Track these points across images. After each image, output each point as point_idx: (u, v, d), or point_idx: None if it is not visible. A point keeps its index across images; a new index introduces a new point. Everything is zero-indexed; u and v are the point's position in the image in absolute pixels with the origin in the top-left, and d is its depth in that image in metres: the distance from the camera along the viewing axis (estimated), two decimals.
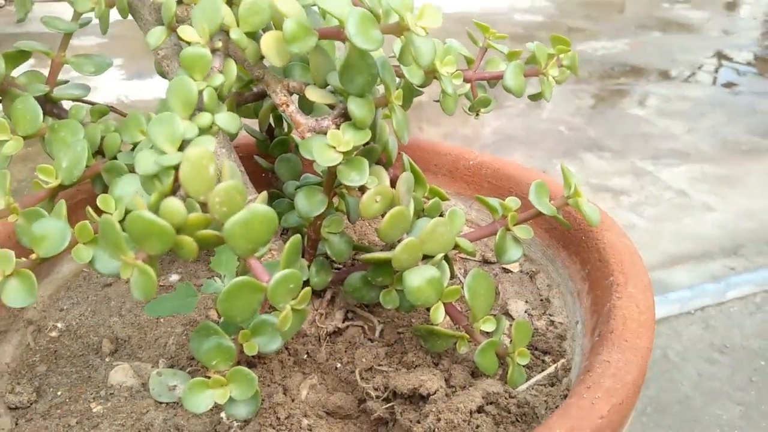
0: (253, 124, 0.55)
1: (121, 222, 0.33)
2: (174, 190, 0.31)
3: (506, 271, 0.48)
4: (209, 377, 0.33)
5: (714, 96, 1.96)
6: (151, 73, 1.98)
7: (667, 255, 1.17)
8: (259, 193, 0.57)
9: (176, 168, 0.30)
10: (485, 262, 0.50)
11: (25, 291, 0.32)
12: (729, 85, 2.07)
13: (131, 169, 0.45)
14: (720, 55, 2.35)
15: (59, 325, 0.46)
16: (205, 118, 0.32)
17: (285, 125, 0.54)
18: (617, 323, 0.33)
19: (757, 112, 1.83)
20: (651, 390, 0.80)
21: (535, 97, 0.48)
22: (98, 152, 0.47)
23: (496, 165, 0.52)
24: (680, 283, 1.01)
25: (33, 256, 0.35)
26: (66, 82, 0.50)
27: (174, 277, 0.51)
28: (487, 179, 0.52)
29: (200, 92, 0.32)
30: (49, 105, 0.48)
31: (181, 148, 0.31)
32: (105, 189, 0.47)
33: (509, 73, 0.45)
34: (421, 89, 0.43)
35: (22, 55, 0.47)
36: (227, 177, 0.30)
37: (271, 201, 0.54)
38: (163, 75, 0.44)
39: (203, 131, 0.32)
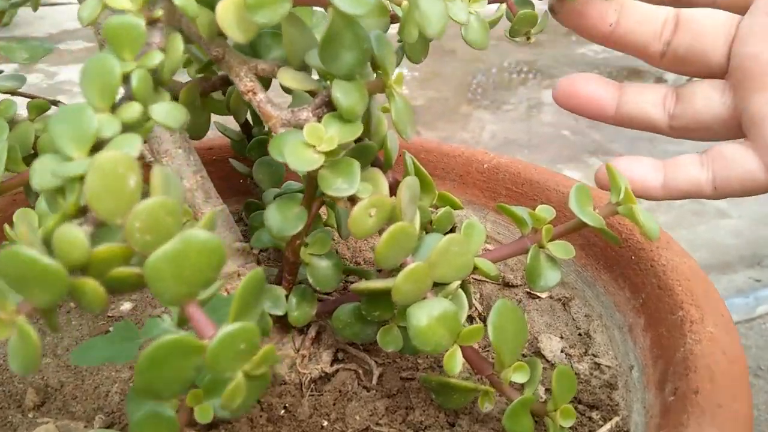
0: (227, 121, 0.46)
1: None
2: (83, 210, 0.22)
3: (533, 296, 0.39)
4: None
5: None
6: None
7: None
8: (239, 203, 0.48)
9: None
10: (506, 285, 0.41)
11: None
12: None
13: None
14: None
15: None
16: (131, 110, 0.23)
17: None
18: (701, 378, 0.24)
19: None
20: None
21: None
22: (34, 156, 0.39)
23: (515, 168, 0.43)
24: None
25: None
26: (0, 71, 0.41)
27: (126, 306, 0.42)
28: (505, 185, 0.43)
29: (126, 75, 0.23)
30: None
31: (93, 150, 0.22)
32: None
33: None
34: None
35: None
36: (158, 190, 0.21)
37: (249, 212, 0.45)
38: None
39: (129, 127, 0.23)
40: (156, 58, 0.25)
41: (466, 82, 2.01)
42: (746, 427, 0.22)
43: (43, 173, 0.22)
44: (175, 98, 0.33)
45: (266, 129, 0.45)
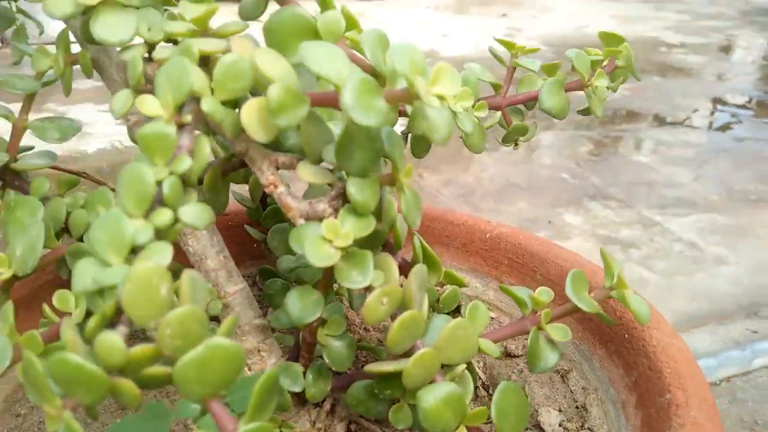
0: (243, 189, 0.49)
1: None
2: (119, 311, 0.24)
3: None
4: None
5: (716, 142, 1.92)
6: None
7: (683, 314, 1.10)
8: (254, 266, 0.50)
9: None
10: (507, 355, 0.43)
11: None
12: (730, 130, 2.04)
13: None
14: (719, 100, 2.33)
15: None
16: (163, 216, 0.25)
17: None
18: None
19: (763, 160, 1.79)
20: None
21: (584, 113, 0.41)
22: (65, 230, 0.41)
23: (516, 239, 0.45)
24: (702, 348, 0.94)
25: None
26: (31, 148, 0.43)
27: None
28: (507, 255, 0.45)
29: (159, 183, 0.26)
30: (11, 176, 0.42)
31: (130, 256, 0.24)
32: (71, 274, 0.41)
33: (545, 92, 0.39)
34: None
35: None
36: (187, 298, 0.23)
37: (263, 279, 0.47)
38: (137, 142, 0.38)
39: (162, 232, 0.25)
40: (186, 163, 0.27)
41: None
42: None
43: (84, 278, 0.24)
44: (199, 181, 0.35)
45: None
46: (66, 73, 0.37)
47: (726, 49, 3.04)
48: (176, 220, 0.26)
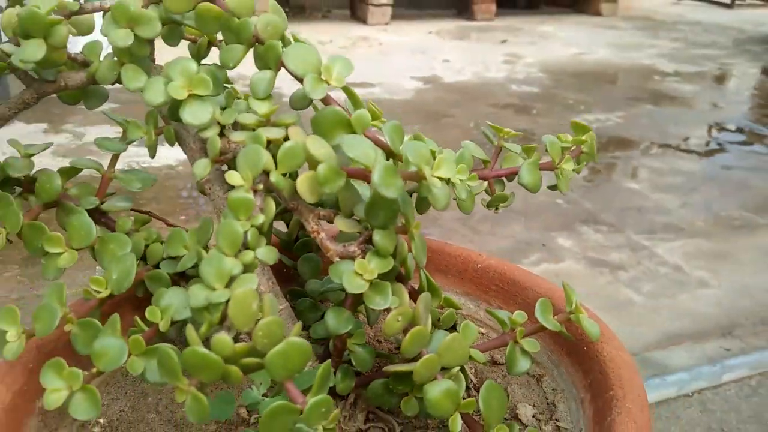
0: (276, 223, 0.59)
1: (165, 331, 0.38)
2: (221, 320, 0.35)
3: None
4: None
5: (706, 170, 2.03)
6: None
7: (664, 333, 1.20)
8: (282, 289, 0.61)
9: (225, 303, 0.34)
10: (494, 363, 0.53)
11: (90, 405, 0.36)
12: (720, 158, 2.15)
13: (172, 278, 0.49)
14: (711, 129, 2.44)
15: (101, 420, 0.49)
16: (248, 256, 0.36)
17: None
18: None
19: (748, 188, 1.90)
20: None
21: (553, 188, 0.52)
22: (141, 259, 0.52)
23: (502, 269, 0.56)
24: (678, 364, 1.04)
25: (93, 370, 0.38)
26: (113, 194, 0.54)
27: None
28: (494, 282, 0.56)
29: (245, 233, 0.37)
30: (98, 214, 0.52)
31: (228, 283, 0.35)
32: (145, 292, 0.51)
33: (524, 171, 0.49)
34: None
35: (75, 170, 0.52)
36: (268, 312, 0.34)
37: (293, 299, 0.58)
38: (204, 192, 0.49)
39: (247, 267, 0.36)
40: (260, 219, 0.38)
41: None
42: None
43: (198, 298, 0.35)
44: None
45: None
46: (154, 142, 0.48)
47: (719, 78, 3.16)
48: (255, 258, 0.36)
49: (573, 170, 0.48)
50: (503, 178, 0.50)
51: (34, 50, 0.41)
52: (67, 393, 0.37)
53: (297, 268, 0.58)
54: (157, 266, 0.51)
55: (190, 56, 0.49)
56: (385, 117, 0.44)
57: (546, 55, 3.39)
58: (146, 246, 0.51)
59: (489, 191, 0.49)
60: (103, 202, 0.53)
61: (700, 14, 4.83)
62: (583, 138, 0.49)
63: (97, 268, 0.49)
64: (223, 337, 0.32)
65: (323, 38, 3.45)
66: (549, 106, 2.56)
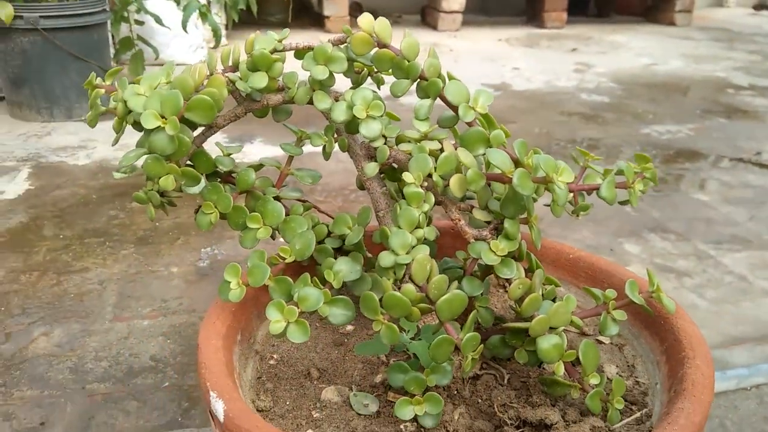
0: None
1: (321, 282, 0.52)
2: (402, 277, 0.49)
3: (600, 342, 0.64)
4: (395, 400, 0.51)
5: None
6: (250, 138, 2.25)
7: (727, 335, 1.28)
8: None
9: (407, 265, 0.49)
10: (583, 334, 0.66)
11: (302, 332, 0.51)
12: None
13: (336, 251, 0.65)
14: None
15: (275, 356, 0.65)
16: (420, 232, 0.51)
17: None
18: (688, 384, 0.49)
19: None
20: None
21: (623, 203, 0.64)
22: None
23: (590, 260, 0.69)
24: (739, 362, 1.12)
25: (299, 310, 0.54)
26: (285, 185, 0.70)
27: (349, 328, 0.69)
28: (584, 270, 0.69)
29: (418, 216, 0.51)
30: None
31: (408, 251, 0.50)
32: (310, 261, 0.67)
33: (605, 187, 0.62)
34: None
35: (261, 166, 0.69)
36: (435, 272, 0.49)
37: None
38: (362, 188, 0.64)
39: (419, 240, 0.51)
40: (426, 207, 0.53)
41: None
42: (706, 405, 0.46)
43: (385, 260, 0.50)
44: None
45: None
46: (330, 148, 0.63)
47: None
48: (423, 234, 0.51)
49: (640, 190, 0.61)
50: (585, 192, 0.63)
51: (260, 80, 0.57)
52: (284, 324, 0.53)
53: None
54: (321, 242, 0.67)
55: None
56: (458, 125, 0.57)
57: (617, 64, 3.43)
58: (313, 227, 0.67)
59: (573, 202, 0.62)
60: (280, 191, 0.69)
61: None
62: (648, 166, 0.61)
63: (202, 250, 0.65)
64: (410, 286, 0.47)
65: (394, 44, 3.59)
66: (619, 116, 2.62)
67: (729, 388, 1.03)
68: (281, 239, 0.63)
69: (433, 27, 4.17)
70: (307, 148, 0.67)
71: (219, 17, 3.26)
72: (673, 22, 4.48)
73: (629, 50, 3.79)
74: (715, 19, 4.83)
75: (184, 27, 2.57)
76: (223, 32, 3.17)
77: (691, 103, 2.90)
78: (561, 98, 2.80)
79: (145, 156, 0.56)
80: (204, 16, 2.64)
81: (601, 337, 0.65)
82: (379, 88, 0.64)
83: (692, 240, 1.69)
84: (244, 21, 3.52)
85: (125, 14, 2.47)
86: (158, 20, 2.49)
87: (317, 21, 4.09)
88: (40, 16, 2.16)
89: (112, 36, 2.63)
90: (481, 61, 3.43)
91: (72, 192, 1.82)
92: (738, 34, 4.35)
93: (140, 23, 2.59)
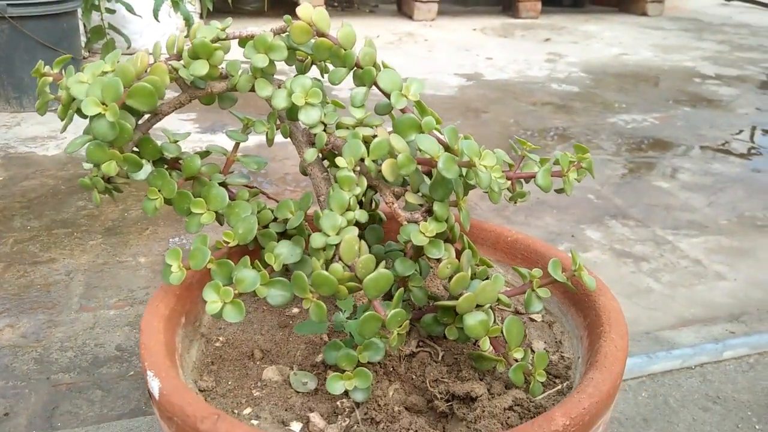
0: None
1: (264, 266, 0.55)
2: (333, 258, 0.52)
3: (532, 320, 0.68)
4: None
5: (736, 172, 2.12)
6: (222, 127, 2.26)
7: (677, 317, 1.33)
8: None
9: (336, 245, 0.51)
10: (517, 312, 0.69)
11: (237, 312, 0.54)
12: (749, 161, 2.23)
13: (280, 235, 0.67)
14: (744, 133, 2.50)
15: (221, 338, 0.67)
16: (350, 215, 0.53)
17: (373, 205, 0.76)
18: (601, 356, 0.52)
19: None
20: (652, 430, 0.96)
21: (559, 192, 0.68)
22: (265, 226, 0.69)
23: (527, 242, 0.72)
24: (685, 342, 1.17)
25: (235, 291, 0.56)
26: (232, 172, 0.72)
27: (295, 310, 0.72)
28: (521, 252, 0.72)
29: (349, 199, 0.54)
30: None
31: (338, 232, 0.52)
32: (255, 245, 0.69)
33: (540, 175, 0.65)
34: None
35: (206, 154, 0.70)
36: (364, 251, 0.51)
37: None
38: (305, 173, 0.66)
39: (349, 222, 0.53)
40: (358, 190, 0.55)
41: (506, 145, 2.30)
42: (616, 376, 0.50)
43: (318, 241, 0.52)
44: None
45: (372, 208, 0.76)
46: (272, 135, 0.65)
47: (759, 82, 3.19)
48: (354, 216, 0.53)
49: (575, 179, 0.64)
50: (522, 180, 0.66)
51: (201, 67, 0.58)
52: (221, 304, 0.55)
53: (364, 237, 0.75)
54: (265, 227, 0.69)
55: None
56: (396, 113, 0.60)
57: (588, 54, 3.47)
58: (258, 212, 0.69)
59: (511, 189, 0.65)
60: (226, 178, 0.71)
61: (749, 16, 4.79)
62: (584, 156, 0.64)
63: (170, 240, 0.67)
64: (337, 265, 0.49)
65: (370, 33, 3.61)
66: (587, 106, 2.67)
67: (674, 367, 1.08)
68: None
69: (409, 16, 4.18)
70: (278, 138, 0.68)
71: (193, 6, 3.24)
72: (645, 12, 4.54)
73: (601, 40, 3.84)
74: (687, 9, 4.90)
75: (156, 16, 2.55)
76: (198, 21, 3.15)
77: (659, 92, 2.96)
78: (532, 88, 2.84)
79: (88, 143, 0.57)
80: (176, 4, 2.62)
81: (533, 315, 0.68)
82: (323, 77, 0.67)
83: (651, 226, 1.74)
84: (219, 10, 3.50)
85: (96, 2, 2.45)
86: (129, 9, 2.47)
87: (294, 10, 4.08)
88: (8, 4, 2.14)
89: (84, 25, 2.61)
90: (456, 50, 3.46)
91: (41, 182, 1.82)
92: (708, 25, 4.43)
93: (111, 12, 2.56)
